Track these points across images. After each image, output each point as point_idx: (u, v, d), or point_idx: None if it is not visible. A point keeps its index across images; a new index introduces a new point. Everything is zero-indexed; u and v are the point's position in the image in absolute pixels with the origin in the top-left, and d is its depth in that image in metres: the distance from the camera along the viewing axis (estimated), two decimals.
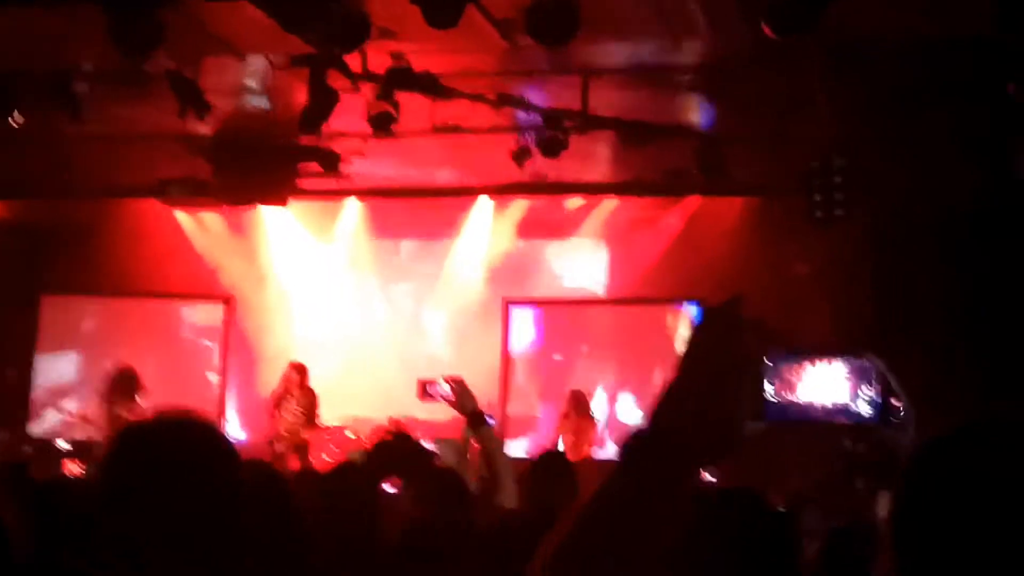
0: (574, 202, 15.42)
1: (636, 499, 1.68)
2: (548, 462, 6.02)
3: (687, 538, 2.92)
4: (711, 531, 2.95)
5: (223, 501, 2.18)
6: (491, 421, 6.69)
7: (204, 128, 12.54)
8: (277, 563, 2.55)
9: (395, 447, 4.92)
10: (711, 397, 1.71)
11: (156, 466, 2.17)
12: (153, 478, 2.15)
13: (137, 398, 13.29)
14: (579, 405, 13.59)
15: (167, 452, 2.19)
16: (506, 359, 15.50)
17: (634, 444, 1.70)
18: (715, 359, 1.73)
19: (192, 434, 2.28)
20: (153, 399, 15.85)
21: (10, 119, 11.38)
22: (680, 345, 1.80)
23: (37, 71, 11.14)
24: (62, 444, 14.44)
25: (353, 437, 14.64)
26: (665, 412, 1.71)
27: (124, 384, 13.52)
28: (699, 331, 1.77)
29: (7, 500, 3.68)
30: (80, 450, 13.63)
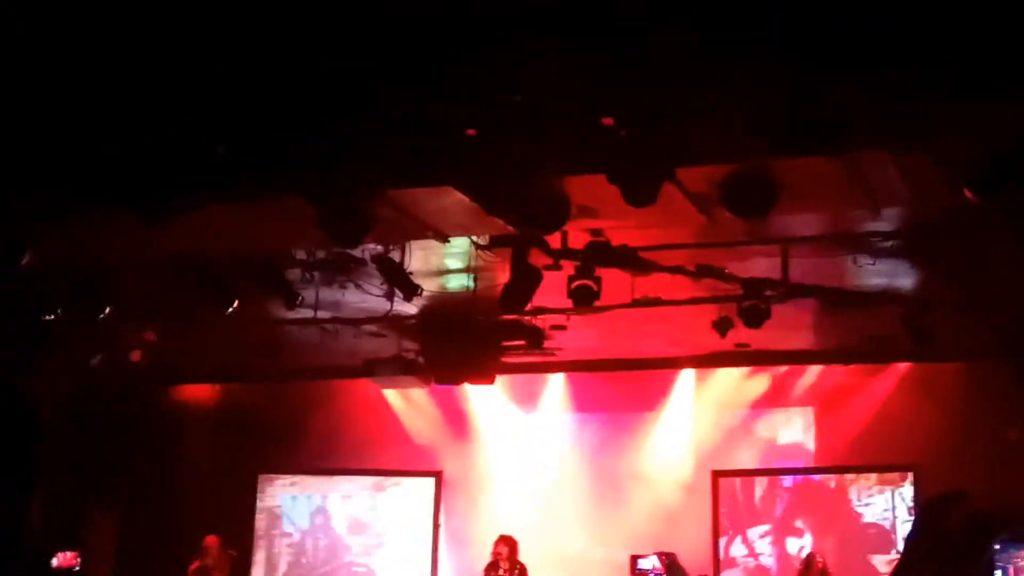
0: (778, 371, 15.30)
1: None
2: None
3: None
4: None
5: None
6: None
7: (411, 308, 12.85)
8: None
9: None
10: None
11: None
12: None
13: None
14: (814, 567, 13.29)
15: None
16: (716, 532, 15.27)
17: None
18: (944, 543, 1.74)
19: None
20: None
21: (229, 306, 11.84)
22: (901, 523, 1.80)
23: (252, 259, 11.58)
24: None
25: None
26: None
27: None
28: (928, 514, 1.77)
29: None
30: None
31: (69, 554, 15.59)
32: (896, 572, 1.64)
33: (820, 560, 13.47)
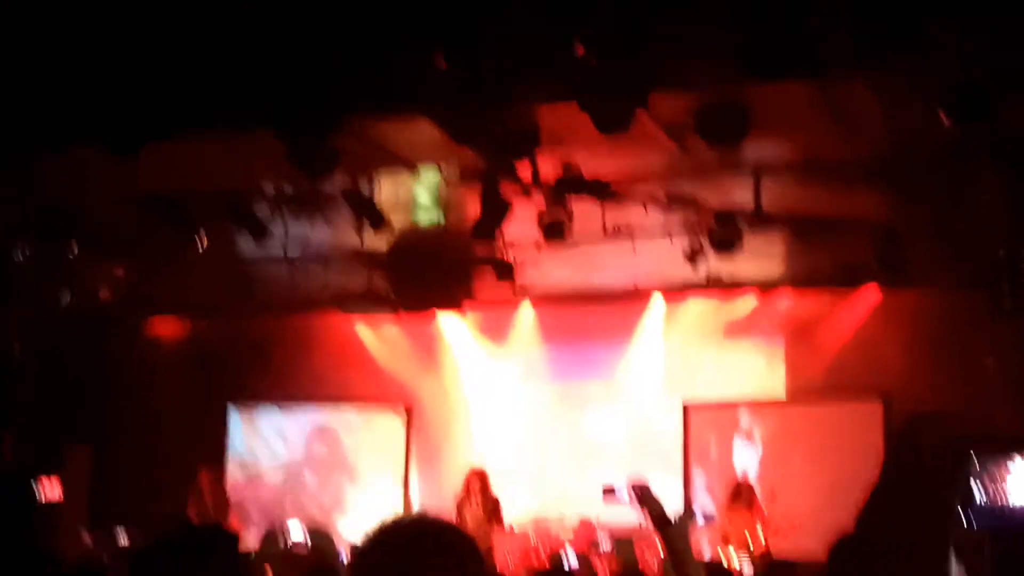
0: (750, 300, 15.29)
1: None
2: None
3: None
4: None
5: None
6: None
7: (380, 242, 12.80)
8: None
9: None
10: (918, 503, 1.69)
11: (409, 561, 2.22)
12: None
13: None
14: (741, 496, 13.39)
15: (420, 549, 2.24)
16: (687, 462, 15.33)
17: (841, 550, 1.68)
18: (920, 465, 1.71)
19: (446, 535, 2.32)
20: None
21: (197, 241, 11.77)
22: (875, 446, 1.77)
23: (219, 194, 11.50)
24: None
25: (534, 542, 14.70)
26: (871, 518, 1.69)
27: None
28: (904, 437, 1.74)
29: None
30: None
31: (53, 486, 15.54)
32: (874, 493, 1.61)
33: (750, 488, 13.57)
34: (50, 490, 15.17)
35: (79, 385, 16.07)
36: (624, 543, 13.31)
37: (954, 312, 12.94)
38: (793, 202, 11.58)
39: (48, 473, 15.44)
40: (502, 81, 8.17)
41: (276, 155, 8.95)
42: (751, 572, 11.92)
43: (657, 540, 5.60)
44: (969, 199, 10.58)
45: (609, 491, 6.15)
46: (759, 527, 13.22)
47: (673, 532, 5.47)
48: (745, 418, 15.27)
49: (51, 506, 15.26)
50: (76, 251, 11.99)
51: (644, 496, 5.56)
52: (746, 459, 15.08)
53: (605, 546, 13.65)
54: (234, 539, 4.05)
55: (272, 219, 12.08)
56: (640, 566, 12.52)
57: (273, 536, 6.65)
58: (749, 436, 15.27)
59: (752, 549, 12.85)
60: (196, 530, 4.35)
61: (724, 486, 14.05)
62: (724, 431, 15.42)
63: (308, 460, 17.06)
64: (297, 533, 6.99)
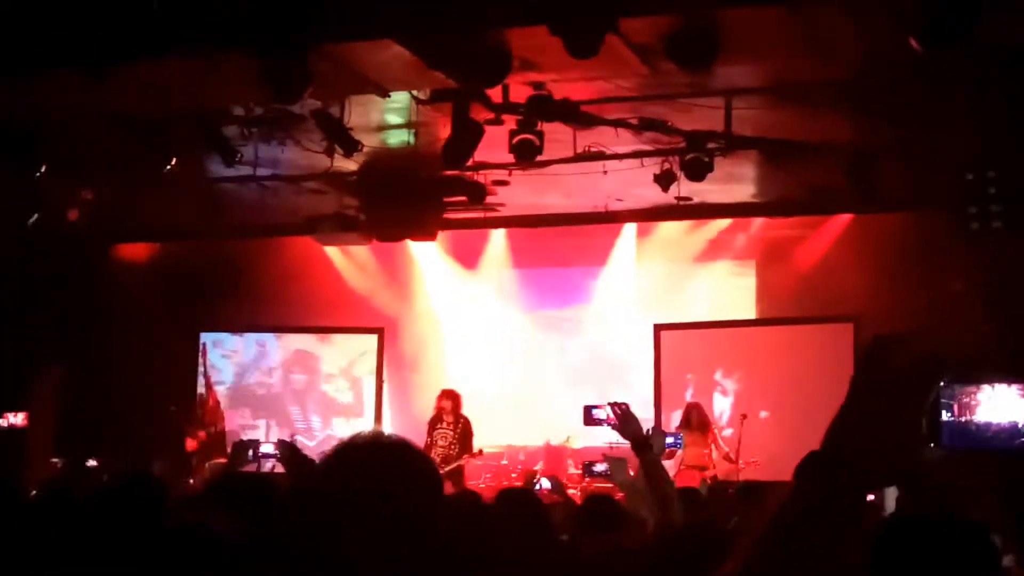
0: (721, 224, 15.34)
1: (811, 521, 1.69)
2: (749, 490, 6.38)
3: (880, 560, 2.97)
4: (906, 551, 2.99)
5: (429, 517, 2.24)
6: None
7: (351, 165, 12.76)
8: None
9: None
10: (886, 421, 1.71)
11: (371, 478, 2.25)
12: (367, 489, 2.23)
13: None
14: (693, 418, 13.54)
15: (382, 467, 2.27)
16: (658, 385, 15.41)
17: (808, 466, 1.71)
18: (889, 384, 1.73)
19: (405, 453, 2.34)
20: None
21: (167, 163, 11.71)
22: (846, 367, 1.80)
23: (189, 117, 11.43)
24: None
25: (505, 463, 14.84)
26: (840, 435, 1.72)
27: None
28: (873, 356, 1.76)
29: None
30: None
31: (18, 415, 15.49)
32: (841, 412, 1.65)
33: (701, 412, 13.72)
34: (14, 416, 15.13)
35: (48, 309, 15.97)
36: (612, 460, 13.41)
37: (923, 234, 12.99)
38: (764, 126, 11.57)
39: (15, 397, 15.41)
40: (474, 4, 8.13)
41: (247, 77, 8.90)
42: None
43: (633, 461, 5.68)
44: (938, 121, 10.60)
45: (590, 413, 6.20)
46: (712, 451, 13.36)
47: (651, 454, 5.53)
48: (721, 370, 15.29)
49: (16, 432, 15.22)
50: (44, 172, 11.92)
51: (625, 418, 5.60)
52: (723, 403, 15.15)
53: (575, 468, 13.79)
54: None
55: (242, 141, 12.03)
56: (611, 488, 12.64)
57: (243, 450, 6.67)
58: (724, 384, 15.32)
59: (706, 472, 13.01)
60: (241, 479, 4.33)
61: (683, 411, 14.12)
62: (702, 357, 15.47)
63: (280, 383, 17.09)
64: (267, 447, 7.09)
